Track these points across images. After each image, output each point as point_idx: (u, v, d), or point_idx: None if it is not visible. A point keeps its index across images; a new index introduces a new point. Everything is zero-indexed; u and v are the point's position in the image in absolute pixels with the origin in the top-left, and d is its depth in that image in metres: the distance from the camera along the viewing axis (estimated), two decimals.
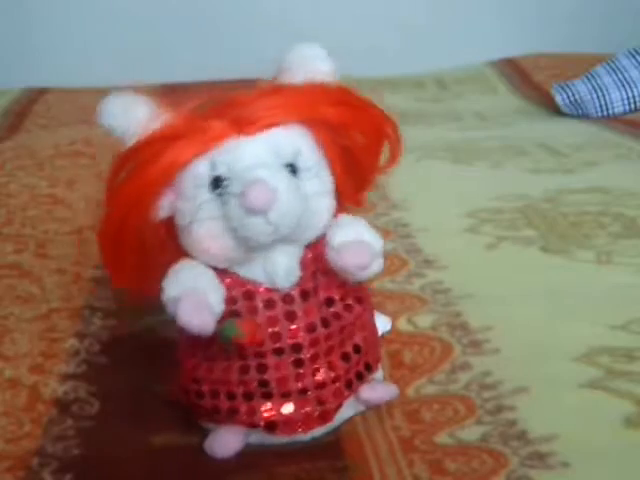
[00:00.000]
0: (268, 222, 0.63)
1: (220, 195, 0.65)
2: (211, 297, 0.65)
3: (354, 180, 0.72)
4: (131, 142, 0.67)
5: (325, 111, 0.68)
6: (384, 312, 0.87)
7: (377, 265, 0.69)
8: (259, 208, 0.62)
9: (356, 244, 0.68)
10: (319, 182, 0.68)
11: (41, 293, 0.98)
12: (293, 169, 0.66)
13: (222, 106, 0.67)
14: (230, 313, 0.67)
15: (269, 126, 0.66)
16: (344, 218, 0.71)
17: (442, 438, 0.68)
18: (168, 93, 2.04)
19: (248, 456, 0.68)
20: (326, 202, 0.69)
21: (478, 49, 2.36)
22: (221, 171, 0.65)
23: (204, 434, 0.69)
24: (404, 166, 1.55)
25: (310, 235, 0.68)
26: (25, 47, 2.34)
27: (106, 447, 0.70)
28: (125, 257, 0.70)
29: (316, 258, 0.68)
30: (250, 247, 0.65)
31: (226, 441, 0.68)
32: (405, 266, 1.02)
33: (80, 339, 0.87)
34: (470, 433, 0.69)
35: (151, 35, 2.34)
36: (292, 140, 0.67)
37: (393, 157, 0.75)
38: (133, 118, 0.67)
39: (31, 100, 2.11)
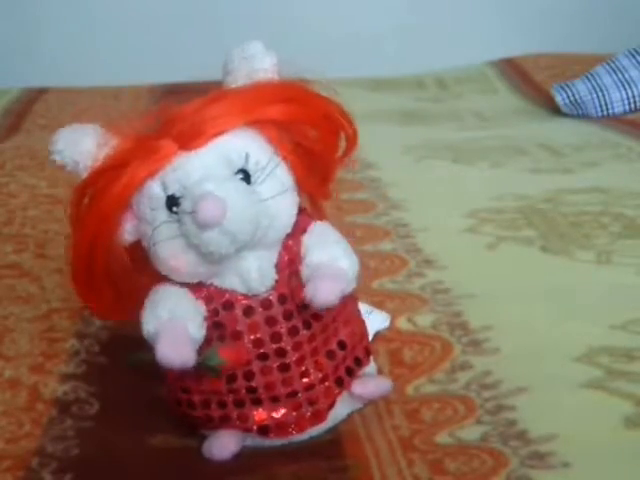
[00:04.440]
0: (224, 233, 0.62)
1: (176, 214, 0.64)
2: (190, 325, 0.65)
3: (315, 174, 0.71)
4: (84, 173, 0.67)
5: (270, 110, 0.67)
6: (384, 311, 0.87)
7: (348, 289, 0.67)
8: (211, 222, 0.62)
9: (331, 277, 0.66)
10: (275, 182, 0.66)
11: (41, 293, 0.98)
12: (246, 174, 0.65)
13: (167, 122, 0.66)
14: (213, 325, 0.66)
15: (214, 136, 0.65)
16: (321, 230, 0.69)
17: (442, 438, 0.68)
18: (168, 93, 2.04)
19: (247, 457, 0.68)
20: (286, 200, 0.67)
21: (478, 49, 2.36)
22: (173, 190, 0.64)
23: (202, 436, 0.69)
24: (404, 166, 1.56)
25: (275, 236, 0.67)
26: (25, 47, 2.34)
27: (106, 447, 0.70)
28: (100, 290, 0.69)
29: (292, 261, 0.68)
30: (215, 260, 0.65)
31: (224, 443, 0.68)
32: (405, 266, 1.02)
33: (80, 339, 0.87)
34: (470, 433, 0.69)
35: (151, 35, 2.34)
36: (240, 145, 0.66)
37: (350, 146, 0.73)
38: (81, 150, 0.67)
39: (31, 100, 2.11)
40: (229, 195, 0.63)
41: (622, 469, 0.64)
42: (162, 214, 0.65)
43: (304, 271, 0.67)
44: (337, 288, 0.66)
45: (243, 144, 0.66)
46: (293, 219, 0.68)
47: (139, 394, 0.77)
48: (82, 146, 0.67)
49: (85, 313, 0.93)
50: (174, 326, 0.64)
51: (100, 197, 0.66)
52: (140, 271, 0.68)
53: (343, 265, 0.67)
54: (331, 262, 0.67)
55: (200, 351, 0.65)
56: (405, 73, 2.27)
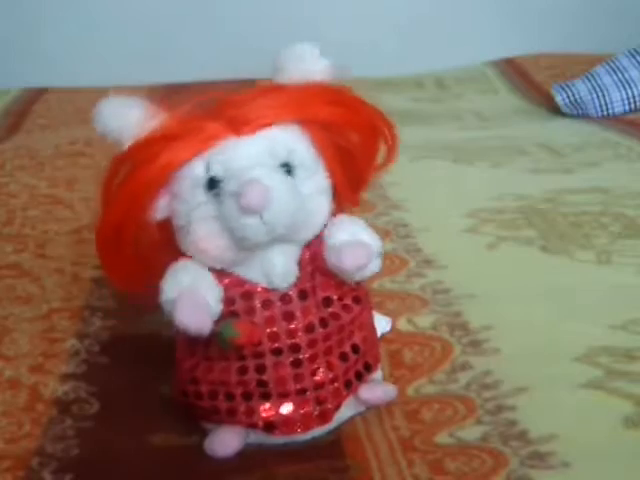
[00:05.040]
0: (263, 222, 0.63)
1: (216, 196, 0.65)
2: (209, 297, 0.65)
3: (350, 179, 0.72)
4: (126, 144, 0.67)
5: (319, 111, 0.68)
6: (384, 312, 0.87)
7: (375, 265, 0.69)
8: (254, 208, 0.62)
9: (354, 245, 0.68)
10: (315, 181, 0.68)
11: (41, 293, 0.98)
12: (288, 169, 0.66)
13: (217, 106, 0.67)
14: (228, 313, 0.67)
15: (264, 126, 0.66)
16: (342, 218, 0.71)
17: (442, 438, 0.68)
18: (168, 93, 2.04)
19: (248, 456, 0.68)
20: (322, 201, 0.69)
21: (478, 49, 2.36)
22: (216, 172, 0.65)
23: (204, 434, 0.69)
24: (404, 166, 1.55)
25: (307, 234, 0.68)
26: (25, 47, 2.34)
27: (106, 447, 0.70)
28: (123, 260, 0.70)
29: (314, 257, 0.68)
30: (247, 247, 0.65)
31: (226, 441, 0.68)
32: (405, 266, 1.02)
33: (80, 339, 0.87)
34: (470, 433, 0.69)
35: (151, 35, 2.34)
36: (287, 140, 0.67)
37: (389, 156, 0.75)
38: (128, 120, 0.67)
39: (31, 100, 2.11)
40: (275, 185, 0.63)
41: (622, 469, 0.64)
42: (201, 194, 0.65)
43: (328, 255, 0.68)
44: (362, 254, 0.67)
45: (290, 139, 0.67)
46: (325, 220, 0.69)
47: (139, 394, 0.77)
48: (128, 116, 0.67)
49: (86, 313, 0.93)
50: (193, 293, 0.65)
51: (140, 170, 0.66)
52: (166, 249, 0.68)
53: (365, 239, 0.69)
54: (353, 237, 0.68)
55: (215, 327, 0.65)
56: (405, 73, 2.27)
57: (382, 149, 0.75)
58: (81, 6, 2.35)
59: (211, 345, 0.67)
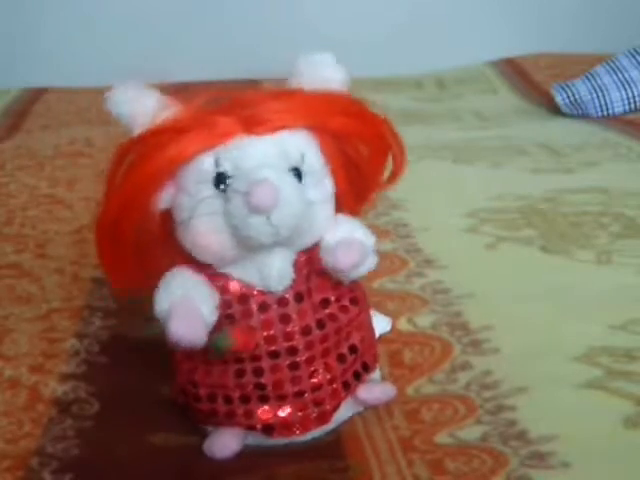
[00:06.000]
0: (269, 223, 0.63)
1: (222, 192, 0.64)
2: (203, 307, 0.65)
3: (355, 191, 0.72)
4: (136, 132, 0.66)
5: (333, 120, 0.68)
6: (384, 312, 0.87)
7: (370, 263, 0.69)
8: (263, 207, 0.62)
9: (347, 243, 0.68)
10: (321, 189, 0.68)
11: (41, 293, 0.98)
12: (298, 173, 0.66)
13: (231, 103, 0.67)
14: (225, 317, 0.67)
15: (278, 128, 0.66)
16: (335, 216, 0.70)
17: (442, 438, 0.68)
18: (168, 93, 2.04)
19: (248, 457, 0.68)
20: (326, 210, 0.68)
21: (478, 49, 2.36)
22: (226, 168, 0.65)
23: (203, 434, 0.69)
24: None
25: (307, 241, 0.68)
26: (25, 47, 2.34)
27: (106, 447, 0.70)
28: (121, 251, 0.69)
29: (310, 260, 0.68)
30: (249, 246, 0.65)
31: (225, 442, 0.68)
32: (405, 266, 1.02)
33: (80, 339, 0.87)
34: (470, 433, 0.69)
35: (151, 35, 2.34)
36: (299, 145, 0.67)
37: (396, 173, 0.75)
38: (141, 107, 0.67)
39: (31, 100, 2.11)
40: (284, 187, 0.63)
41: (622, 469, 0.64)
42: (207, 189, 0.65)
43: (322, 254, 0.68)
44: (356, 252, 0.67)
45: (302, 144, 0.67)
46: (326, 229, 0.68)
47: (139, 394, 0.77)
48: (143, 103, 0.67)
49: (86, 313, 0.93)
50: (187, 304, 0.64)
51: (147, 160, 0.65)
52: (164, 246, 0.68)
53: (358, 236, 0.69)
54: (346, 235, 0.68)
55: (210, 336, 0.65)
56: (405, 73, 2.27)
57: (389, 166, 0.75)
58: (81, 6, 2.35)
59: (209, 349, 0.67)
